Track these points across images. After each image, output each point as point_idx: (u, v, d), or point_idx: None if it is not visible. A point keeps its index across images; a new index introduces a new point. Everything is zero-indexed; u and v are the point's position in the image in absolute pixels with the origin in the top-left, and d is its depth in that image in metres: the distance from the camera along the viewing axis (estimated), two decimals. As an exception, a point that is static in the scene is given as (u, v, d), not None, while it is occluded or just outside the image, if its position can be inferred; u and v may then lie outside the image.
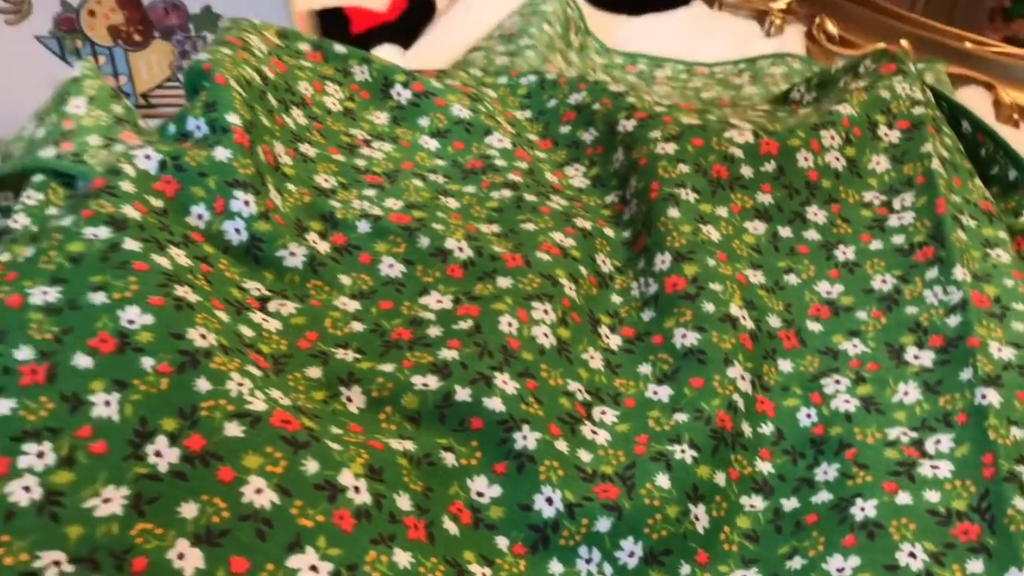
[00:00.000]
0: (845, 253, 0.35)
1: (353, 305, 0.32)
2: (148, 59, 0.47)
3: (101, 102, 0.36)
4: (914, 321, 0.32)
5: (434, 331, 0.31)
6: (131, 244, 0.27)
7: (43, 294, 0.26)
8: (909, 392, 0.31)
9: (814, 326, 0.34)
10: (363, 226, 0.33)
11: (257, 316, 0.29)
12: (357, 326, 0.31)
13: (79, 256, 0.27)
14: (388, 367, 0.30)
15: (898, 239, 0.35)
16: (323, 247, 0.32)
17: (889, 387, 0.31)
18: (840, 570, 0.26)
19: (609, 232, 0.36)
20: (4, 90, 0.46)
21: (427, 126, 0.39)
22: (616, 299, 0.34)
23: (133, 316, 0.26)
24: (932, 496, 0.27)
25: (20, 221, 0.30)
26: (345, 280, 0.32)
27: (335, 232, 0.33)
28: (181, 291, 0.27)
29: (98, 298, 0.26)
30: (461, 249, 0.33)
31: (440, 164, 0.38)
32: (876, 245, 0.35)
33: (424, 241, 0.33)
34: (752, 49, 0.63)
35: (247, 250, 0.31)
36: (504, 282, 0.32)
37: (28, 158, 0.35)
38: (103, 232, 0.28)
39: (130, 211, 0.29)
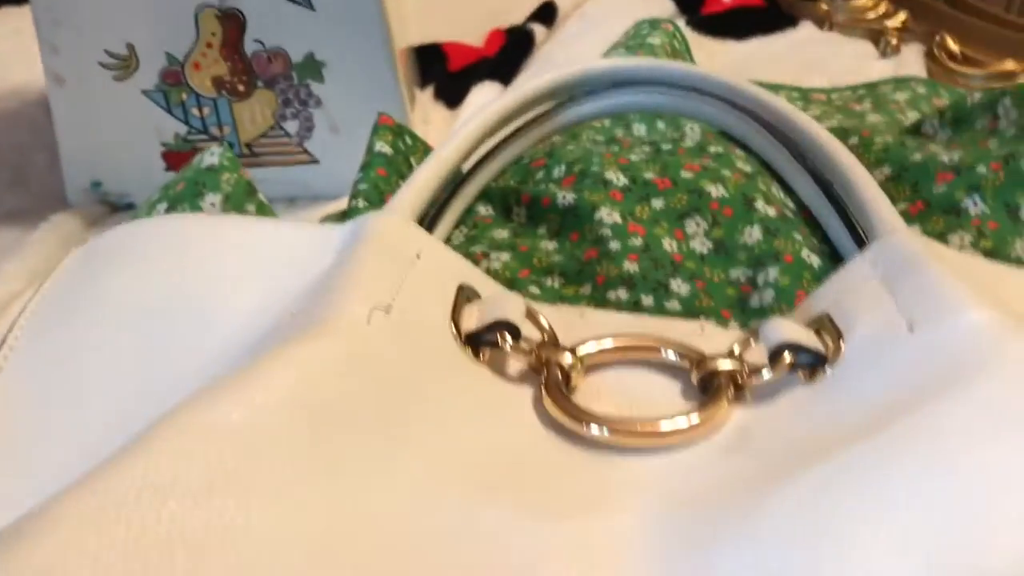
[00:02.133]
0: None
1: (552, 244, 0.38)
2: (252, 109, 0.46)
3: (236, 201, 0.35)
4: None
5: (614, 245, 0.36)
6: None
7: None
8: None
9: None
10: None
11: (483, 263, 0.37)
12: (557, 258, 0.37)
13: None
14: (587, 288, 0.36)
15: None
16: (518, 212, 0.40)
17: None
18: None
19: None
20: (113, 144, 0.47)
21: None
22: (761, 185, 0.39)
23: None
24: None
25: None
26: (541, 228, 0.39)
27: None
28: None
29: None
30: (618, 178, 0.39)
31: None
32: None
33: (586, 180, 0.39)
34: (868, 72, 0.60)
35: None
36: (658, 203, 0.38)
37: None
38: None
39: None
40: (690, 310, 0.35)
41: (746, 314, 0.35)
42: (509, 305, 0.29)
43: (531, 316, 0.30)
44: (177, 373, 0.28)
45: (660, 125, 0.44)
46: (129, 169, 0.47)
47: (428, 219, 0.35)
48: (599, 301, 0.36)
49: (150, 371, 0.28)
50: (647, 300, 0.35)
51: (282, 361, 0.24)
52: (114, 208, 0.48)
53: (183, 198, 0.36)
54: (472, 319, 0.29)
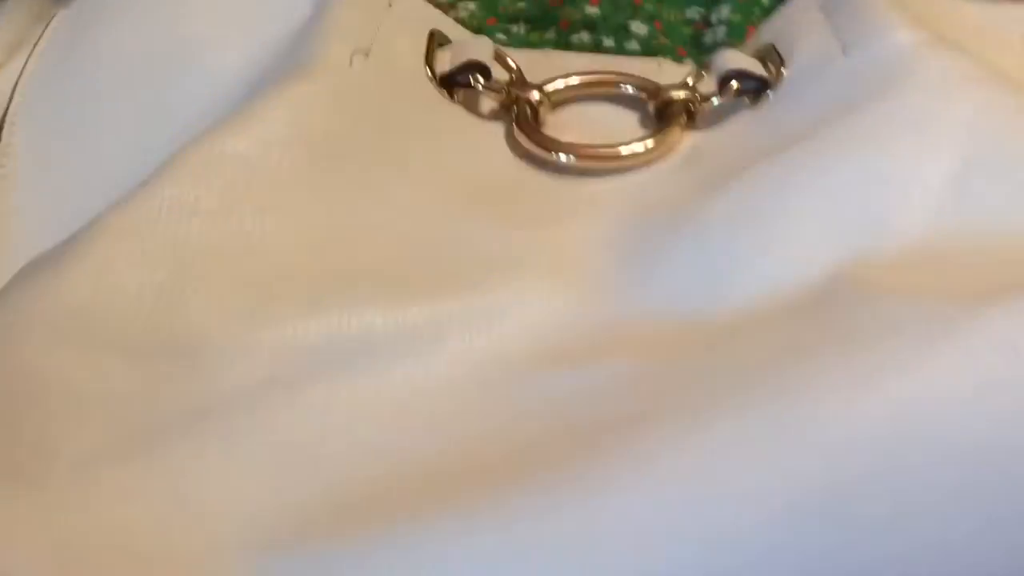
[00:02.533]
0: None
1: None
2: None
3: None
4: None
5: None
6: None
7: None
8: None
9: None
10: None
11: (451, 14, 0.36)
12: (522, 4, 0.38)
13: None
14: (551, 33, 0.37)
15: None
16: None
17: None
18: None
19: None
20: None
21: None
22: None
23: None
24: None
25: None
26: None
27: None
28: None
29: None
30: None
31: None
32: None
33: None
34: None
35: None
36: None
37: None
38: None
39: None
40: (648, 49, 0.37)
41: (701, 51, 0.37)
42: (479, 47, 0.31)
43: (499, 58, 0.32)
44: (177, 121, 0.30)
45: None
46: None
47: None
48: (563, 45, 0.38)
49: (152, 121, 0.30)
50: (608, 42, 0.37)
51: (275, 100, 0.26)
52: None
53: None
54: (445, 62, 0.31)
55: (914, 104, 0.26)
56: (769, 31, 0.33)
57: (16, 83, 0.32)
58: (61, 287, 0.22)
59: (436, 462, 0.21)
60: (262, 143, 0.25)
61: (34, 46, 0.33)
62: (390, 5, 0.32)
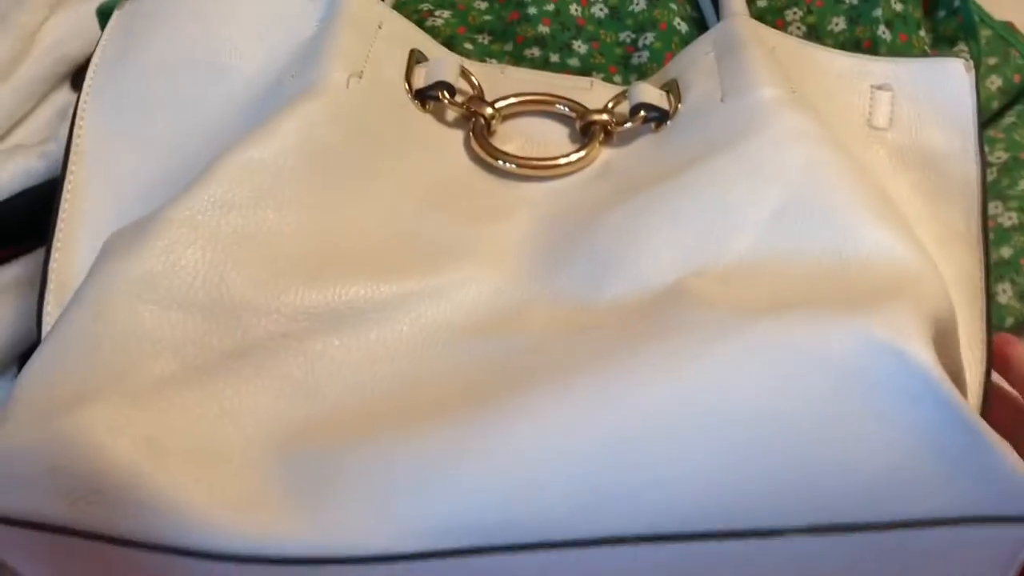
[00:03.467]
0: None
1: (484, 4, 0.48)
2: None
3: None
4: None
5: (532, 10, 0.47)
6: None
7: None
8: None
9: None
10: None
11: (429, 20, 0.47)
12: (487, 17, 0.47)
13: None
14: (508, 46, 0.46)
15: None
16: None
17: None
18: None
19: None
20: None
21: None
22: None
23: None
24: None
25: None
26: None
27: None
28: None
29: None
30: None
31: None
32: None
33: None
34: None
35: None
36: None
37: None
38: None
39: None
40: (587, 65, 0.46)
41: (628, 70, 0.46)
42: (447, 68, 0.40)
43: (464, 75, 0.41)
44: (205, 118, 0.39)
45: None
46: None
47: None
48: (517, 57, 0.46)
49: (186, 115, 0.39)
50: (554, 57, 0.46)
51: (288, 116, 0.35)
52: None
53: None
54: (420, 78, 0.40)
55: (758, 154, 0.35)
56: (676, 66, 0.42)
57: (79, 95, 0.39)
58: (139, 262, 0.31)
59: (399, 397, 0.31)
60: (278, 151, 0.34)
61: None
62: (380, 27, 0.40)
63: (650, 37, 0.46)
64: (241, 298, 0.32)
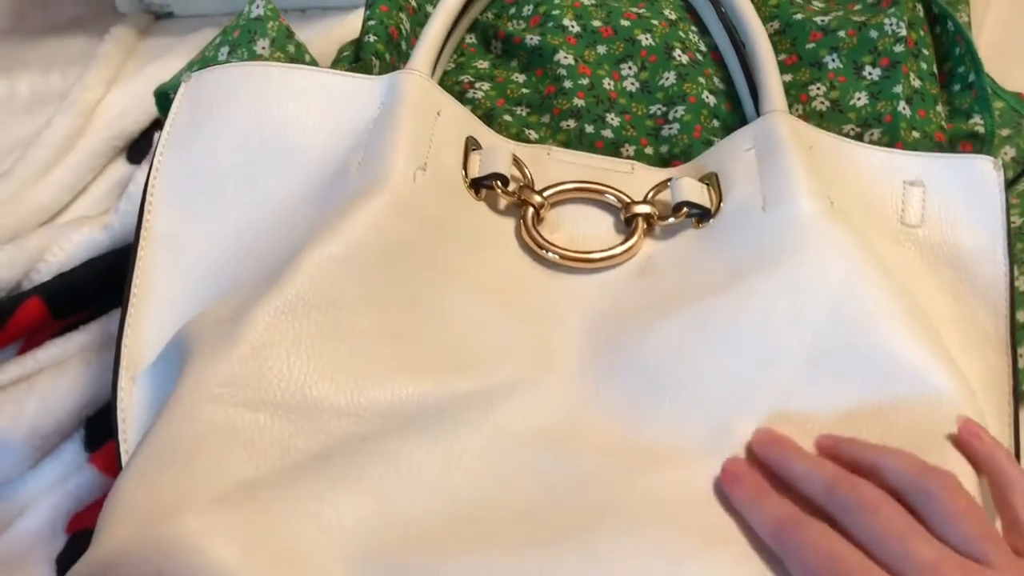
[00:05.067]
0: None
1: (521, 77, 0.50)
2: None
3: (280, 43, 0.46)
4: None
5: (567, 84, 0.49)
6: None
7: None
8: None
9: None
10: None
11: (469, 92, 0.49)
12: (525, 90, 0.50)
13: None
14: (546, 117, 0.48)
15: None
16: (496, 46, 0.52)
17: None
18: None
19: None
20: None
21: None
22: (681, 33, 0.51)
23: None
24: None
25: None
26: (513, 62, 0.50)
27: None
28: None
29: None
30: (572, 25, 0.51)
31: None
32: None
33: (548, 23, 0.51)
34: None
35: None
36: (602, 49, 0.50)
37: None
38: None
39: None
40: (619, 137, 0.48)
41: (659, 141, 0.49)
42: (501, 158, 0.42)
43: (516, 162, 0.43)
44: (271, 195, 0.41)
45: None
46: None
47: (435, 62, 0.46)
48: (554, 128, 0.49)
49: (252, 192, 0.41)
50: (589, 128, 0.48)
51: (359, 212, 0.37)
52: (157, 16, 0.58)
53: (240, 42, 0.47)
54: (475, 167, 0.42)
55: (795, 274, 0.37)
56: (716, 157, 0.44)
57: (149, 173, 0.41)
58: (229, 364, 0.33)
59: (470, 508, 0.32)
60: (352, 247, 0.36)
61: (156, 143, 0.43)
62: (439, 114, 0.42)
63: (680, 110, 0.49)
64: (323, 400, 0.34)
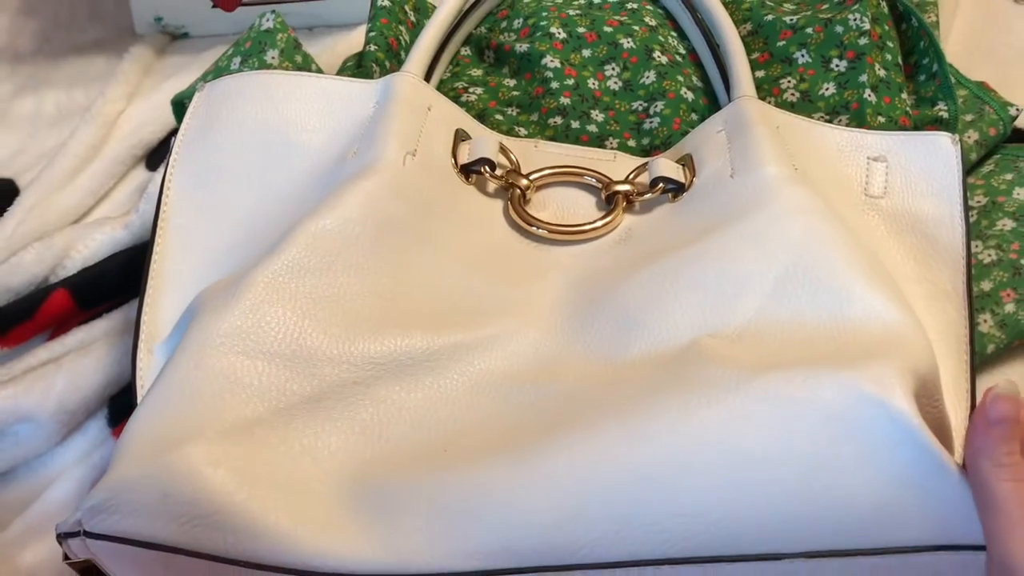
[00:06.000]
0: None
1: (512, 81, 0.53)
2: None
3: (288, 54, 0.50)
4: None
5: (554, 84, 0.52)
6: None
7: None
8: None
9: None
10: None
11: (464, 96, 0.52)
12: (515, 92, 0.53)
13: None
14: (534, 116, 0.51)
15: None
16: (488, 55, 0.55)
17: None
18: None
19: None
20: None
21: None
22: (660, 37, 0.54)
23: None
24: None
25: None
26: (504, 68, 0.54)
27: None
28: None
29: None
30: (559, 31, 0.54)
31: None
32: None
33: (537, 33, 0.54)
34: None
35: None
36: (586, 52, 0.53)
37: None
38: None
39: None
40: (603, 132, 0.52)
41: (640, 134, 0.52)
42: (488, 145, 0.46)
43: (503, 150, 0.46)
44: (275, 188, 0.44)
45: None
46: (184, 6, 0.61)
47: (431, 66, 0.50)
48: (542, 125, 0.52)
49: (258, 186, 0.45)
50: (575, 124, 0.52)
51: (352, 190, 0.41)
52: (173, 37, 0.62)
53: (252, 52, 0.51)
54: (464, 154, 0.46)
55: (762, 226, 0.40)
56: (691, 141, 0.48)
57: (165, 172, 0.45)
58: (230, 318, 0.36)
59: (452, 437, 0.36)
60: (345, 221, 0.40)
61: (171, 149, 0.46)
62: (429, 109, 0.46)
63: (660, 105, 0.52)
64: (317, 349, 0.37)
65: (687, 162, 0.46)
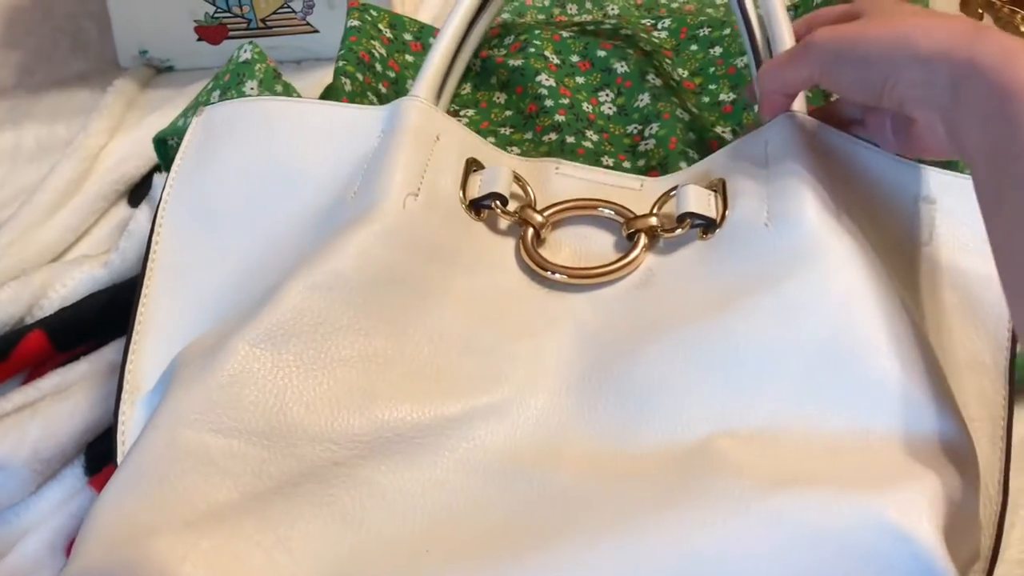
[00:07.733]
0: None
1: (503, 97, 0.51)
2: (264, -11, 0.58)
3: (268, 84, 0.49)
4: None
5: (548, 102, 0.50)
6: None
7: None
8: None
9: None
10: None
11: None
12: (508, 112, 0.51)
13: None
14: (529, 134, 0.50)
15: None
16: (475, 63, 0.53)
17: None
18: None
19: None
20: (156, 20, 0.58)
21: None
22: (655, 62, 0.53)
23: None
24: None
25: None
26: (492, 79, 0.52)
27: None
28: None
29: None
30: (553, 56, 0.52)
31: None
32: None
33: (530, 49, 0.52)
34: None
35: None
36: (580, 80, 0.52)
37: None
38: None
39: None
40: (599, 151, 0.50)
41: (636, 156, 0.50)
42: (500, 178, 0.42)
43: (518, 181, 0.43)
44: (273, 228, 0.41)
45: (588, 5, 0.57)
46: (169, 39, 0.59)
47: (439, 89, 0.46)
48: (537, 143, 0.50)
49: (256, 225, 0.41)
50: (570, 139, 0.50)
51: (347, 241, 0.37)
52: (158, 70, 0.61)
53: (230, 85, 0.49)
54: (474, 187, 0.42)
55: (793, 298, 0.35)
56: (726, 162, 0.42)
57: (157, 208, 0.42)
58: (206, 392, 0.34)
59: (437, 531, 0.33)
60: (337, 276, 0.36)
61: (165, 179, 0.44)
62: (438, 138, 0.42)
63: (655, 127, 0.50)
64: (297, 426, 0.34)
65: (719, 188, 0.41)
